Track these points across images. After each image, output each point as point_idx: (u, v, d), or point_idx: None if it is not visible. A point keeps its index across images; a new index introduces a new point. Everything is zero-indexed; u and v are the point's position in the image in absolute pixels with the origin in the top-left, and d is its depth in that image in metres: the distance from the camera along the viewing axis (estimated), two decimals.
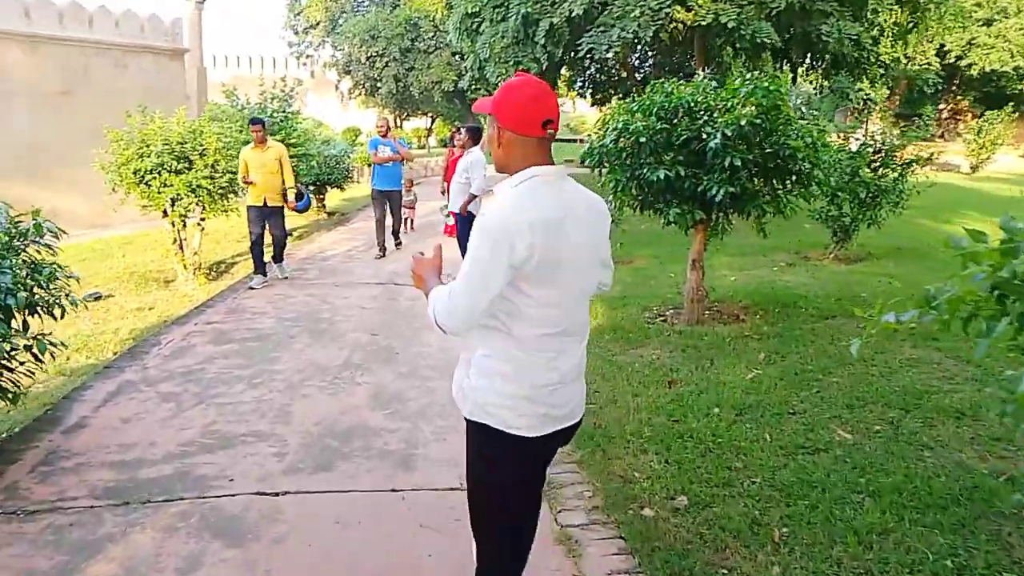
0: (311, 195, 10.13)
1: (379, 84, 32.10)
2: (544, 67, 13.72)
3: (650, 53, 18.77)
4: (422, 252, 2.35)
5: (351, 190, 17.08)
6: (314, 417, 4.53)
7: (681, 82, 6.51)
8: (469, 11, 16.41)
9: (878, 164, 9.07)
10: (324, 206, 15.51)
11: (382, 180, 10.20)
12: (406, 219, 11.96)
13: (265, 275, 8.45)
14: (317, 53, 35.61)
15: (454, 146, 18.49)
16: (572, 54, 15.69)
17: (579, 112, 62.00)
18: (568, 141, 53.70)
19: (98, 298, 8.01)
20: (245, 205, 8.88)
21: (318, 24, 34.21)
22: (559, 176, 2.05)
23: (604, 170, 6.67)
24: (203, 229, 9.55)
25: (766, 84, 5.91)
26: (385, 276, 8.79)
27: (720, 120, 5.91)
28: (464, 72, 20.80)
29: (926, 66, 23.57)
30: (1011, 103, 31.06)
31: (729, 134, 5.70)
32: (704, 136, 5.84)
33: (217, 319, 6.74)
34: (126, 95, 12.85)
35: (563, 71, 22.65)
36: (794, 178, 6.06)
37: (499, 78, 14.43)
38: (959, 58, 26.98)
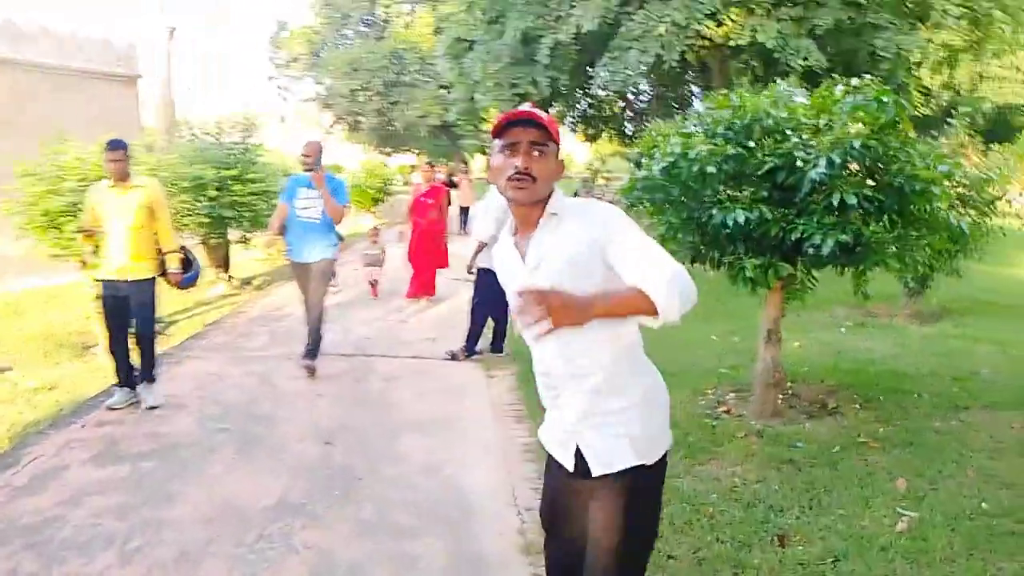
0: (199, 262, 5.82)
1: (361, 118, 30.56)
2: (547, 93, 12.08)
3: (654, 79, 17.22)
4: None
5: None
6: None
7: (744, 91, 4.84)
8: (460, 36, 14.86)
9: (959, 202, 7.43)
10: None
11: (298, 243, 5.86)
12: (372, 283, 9.33)
13: (134, 387, 5.13)
14: (298, 87, 34.15)
15: (448, 182, 17.08)
16: (581, 79, 14.14)
17: (567, 149, 61.28)
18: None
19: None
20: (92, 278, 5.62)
21: (300, 58, 32.73)
22: None
23: (646, 209, 4.95)
24: None
25: (879, 92, 4.23)
26: (352, 344, 6.96)
27: (818, 142, 4.22)
28: (452, 105, 19.22)
29: (943, 96, 22.32)
30: (1016, 135, 29.94)
31: (837, 160, 4.00)
32: (799, 164, 4.14)
33: (113, 417, 4.86)
34: (68, 123, 11.12)
35: (554, 104, 21.17)
36: (922, 221, 4.35)
37: (492, 104, 12.76)
38: (971, 91, 25.79)
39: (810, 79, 13.81)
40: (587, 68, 15.47)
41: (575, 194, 31.06)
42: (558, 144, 1.92)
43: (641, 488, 1.93)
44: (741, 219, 4.10)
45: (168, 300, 9.70)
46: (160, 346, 7.06)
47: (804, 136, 4.38)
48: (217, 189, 9.66)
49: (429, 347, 6.86)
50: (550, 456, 2.12)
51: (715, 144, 4.36)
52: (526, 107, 1.95)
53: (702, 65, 16.13)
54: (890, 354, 6.10)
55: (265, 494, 3.75)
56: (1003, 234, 7.46)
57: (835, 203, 3.98)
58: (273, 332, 7.44)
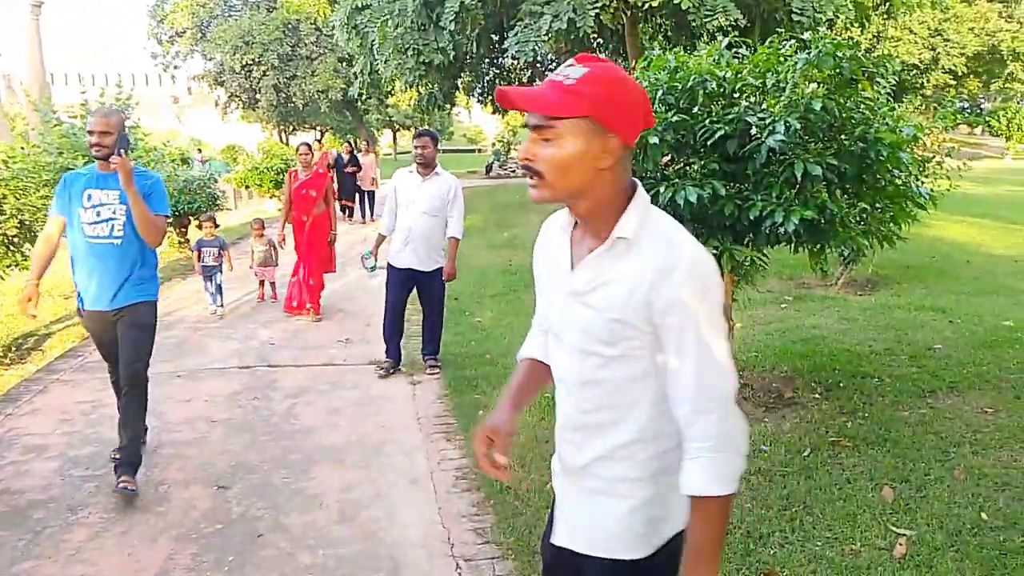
0: None
1: (258, 95, 28.85)
2: (452, 57, 11.26)
3: (563, 47, 16.61)
4: None
5: (222, 218, 14.06)
6: None
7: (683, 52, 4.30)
8: (358, 4, 13.82)
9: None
10: (187, 241, 12.55)
11: (89, 279, 3.80)
12: (262, 282, 8.19)
13: None
14: (185, 64, 31.92)
15: (351, 161, 15.41)
16: (489, 47, 13.38)
17: (475, 122, 60.11)
18: (467, 151, 51.73)
19: None
20: None
21: (185, 32, 30.53)
22: None
23: None
24: None
25: (833, 47, 3.75)
26: (254, 353, 6.14)
27: (768, 104, 3.72)
28: (354, 78, 18.10)
29: None
30: (911, 95, 31.02)
31: (796, 125, 3.50)
32: (752, 131, 3.63)
33: None
34: None
35: (463, 75, 20.29)
36: (882, 190, 3.92)
37: (396, 72, 11.84)
38: (868, 50, 26.42)
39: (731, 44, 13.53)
40: (493, 35, 14.72)
41: (487, 168, 30.41)
42: (588, 116, 1.33)
43: None
44: (693, 197, 3.56)
45: (43, 309, 8.60)
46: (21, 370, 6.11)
47: (751, 100, 3.88)
48: None
49: (342, 351, 6.13)
50: None
51: (654, 111, 3.82)
52: (563, 66, 1.39)
53: (612, 31, 15.65)
54: (838, 330, 5.75)
55: (138, 569, 3.00)
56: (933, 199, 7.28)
57: (798, 175, 3.49)
58: (160, 344, 6.46)
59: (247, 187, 19.88)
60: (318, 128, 36.13)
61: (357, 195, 15.89)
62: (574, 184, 1.38)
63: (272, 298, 8.10)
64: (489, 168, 30.43)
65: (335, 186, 14.66)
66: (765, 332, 5.81)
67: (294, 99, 28.22)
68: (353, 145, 16.66)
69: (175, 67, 32.14)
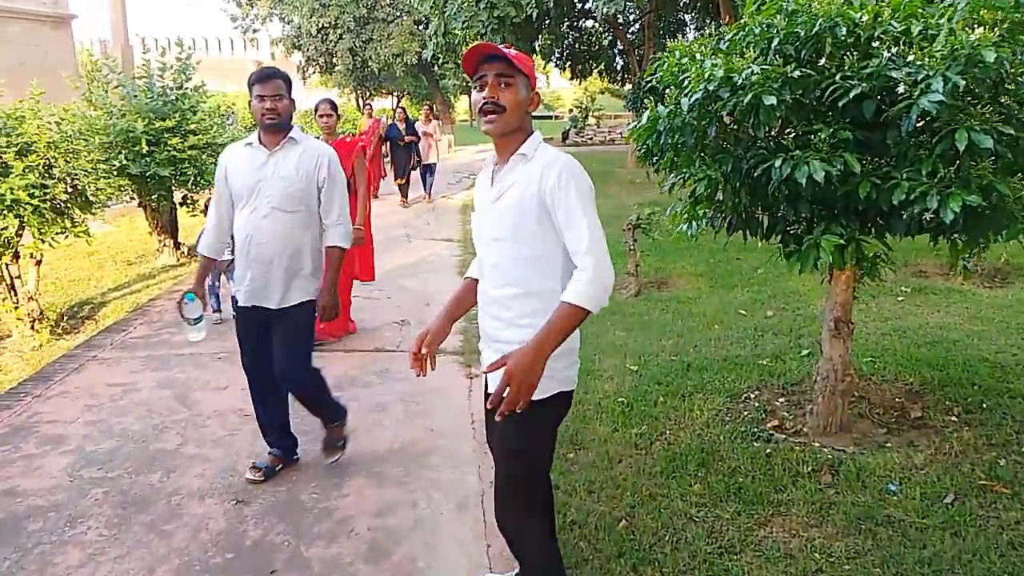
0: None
1: (334, 59, 28.60)
2: (527, 16, 10.49)
3: (651, 6, 15.53)
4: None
5: None
6: None
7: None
8: None
9: None
10: None
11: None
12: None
13: None
14: (264, 28, 31.88)
15: (407, 130, 12.91)
16: (569, 5, 12.53)
17: (553, 87, 58.81)
18: (544, 118, 50.67)
19: None
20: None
21: None
22: None
23: (663, 160, 3.64)
24: (39, 263, 6.40)
25: None
26: None
27: (917, 56, 2.90)
28: (428, 40, 17.47)
29: None
30: None
31: (960, 82, 2.69)
32: (898, 90, 2.82)
33: None
34: None
35: (540, 36, 19.41)
36: None
37: (466, 31, 11.15)
38: None
39: None
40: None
41: (564, 135, 29.47)
42: (528, 76, 2.03)
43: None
44: (820, 175, 2.80)
45: (103, 276, 8.43)
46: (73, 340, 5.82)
47: (894, 51, 3.07)
48: (150, 144, 8.26)
49: (397, 335, 5.60)
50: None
51: (772, 65, 3.06)
52: (504, 46, 2.02)
53: None
54: (971, 333, 4.86)
55: None
56: None
57: (960, 146, 2.68)
58: (211, 317, 6.12)
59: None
60: (395, 93, 35.79)
61: (420, 170, 13.17)
62: (518, 119, 2.02)
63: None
64: (566, 135, 29.53)
65: (388, 161, 13.61)
66: (881, 332, 4.97)
67: (370, 63, 27.83)
68: (406, 112, 13.46)
69: (254, 30, 32.18)
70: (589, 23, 23.51)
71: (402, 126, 12.89)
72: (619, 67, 25.21)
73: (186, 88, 9.23)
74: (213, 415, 4.14)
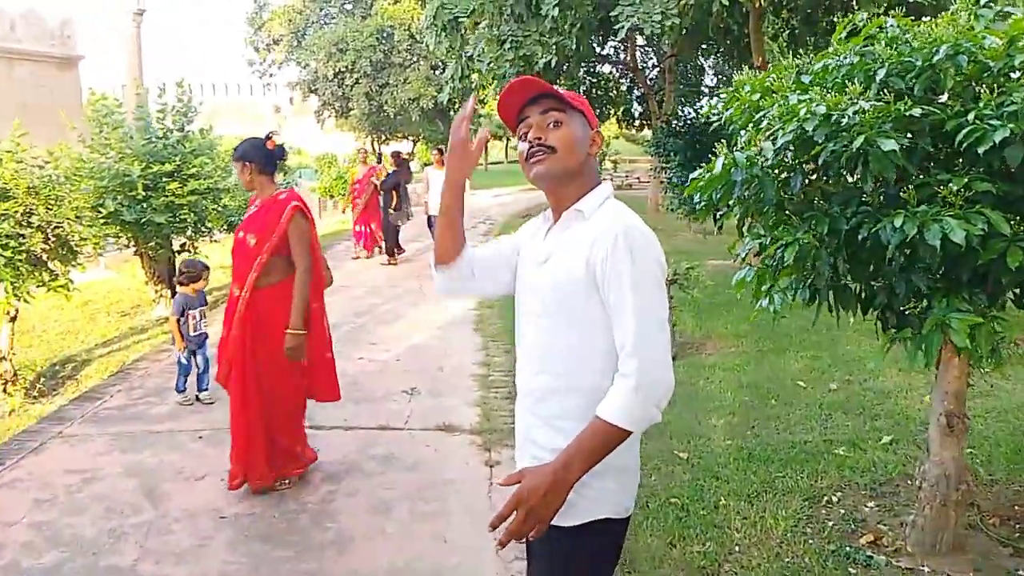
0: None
1: (350, 103, 28.45)
2: (555, 56, 9.97)
3: (667, 43, 15.01)
4: None
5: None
6: None
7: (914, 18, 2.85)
8: (446, 2, 12.76)
9: None
10: None
11: None
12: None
13: None
14: (280, 72, 31.95)
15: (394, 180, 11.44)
16: (589, 48, 12.01)
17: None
18: None
19: None
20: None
21: (281, 39, 30.51)
22: None
23: (734, 217, 2.99)
24: (13, 319, 5.80)
25: None
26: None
27: None
28: (444, 84, 17.06)
29: None
30: None
31: None
32: None
33: None
34: None
35: (560, 81, 19.03)
36: None
37: (491, 68, 10.62)
38: None
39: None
40: (594, 36, 13.26)
41: None
42: (582, 111, 1.67)
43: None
44: (959, 236, 2.14)
45: (93, 329, 7.82)
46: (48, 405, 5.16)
47: None
48: (147, 189, 7.72)
49: (405, 406, 4.92)
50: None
51: (875, 99, 2.42)
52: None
53: (726, 30, 14.04)
54: None
55: None
56: None
57: None
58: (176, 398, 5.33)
59: (332, 196, 19.24)
60: (410, 137, 35.64)
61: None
62: (576, 161, 1.65)
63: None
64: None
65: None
66: (982, 415, 4.21)
67: (386, 107, 27.64)
68: (399, 154, 12.58)
69: (270, 75, 32.26)
70: (606, 68, 23.26)
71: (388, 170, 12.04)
72: (636, 113, 24.89)
73: (188, 131, 8.73)
74: (182, 516, 3.45)
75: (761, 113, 2.79)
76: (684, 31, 9.31)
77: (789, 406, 4.63)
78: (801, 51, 12.54)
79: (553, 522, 1.53)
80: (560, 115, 1.64)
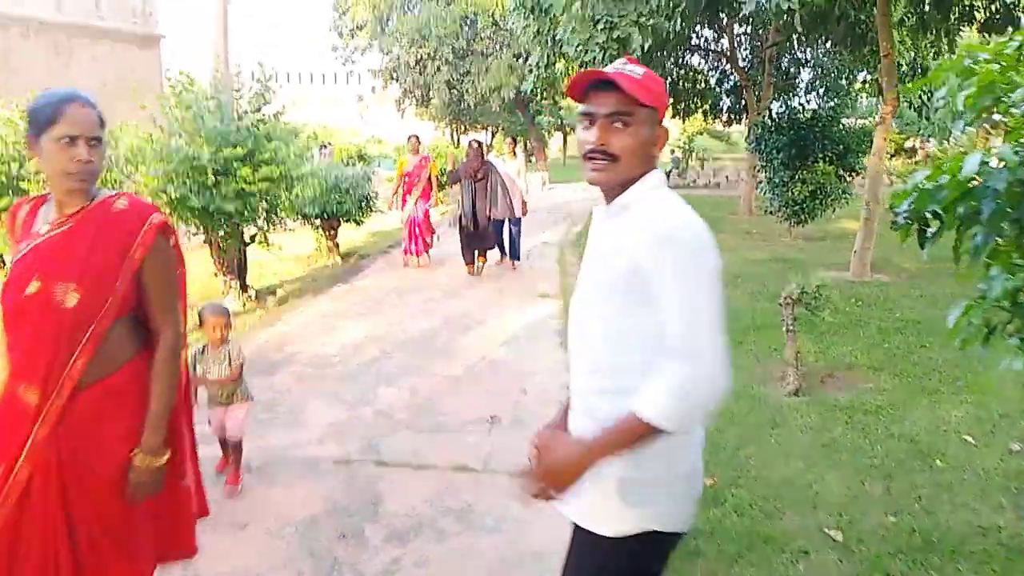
0: None
1: (430, 92, 28.04)
2: (650, 40, 9.09)
3: (782, 27, 13.74)
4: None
5: (376, 221, 12.60)
6: None
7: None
8: None
9: None
10: (336, 246, 11.27)
11: None
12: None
13: None
14: (363, 58, 31.77)
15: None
16: (689, 32, 11.06)
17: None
18: None
19: None
20: None
21: (365, 25, 30.33)
22: None
23: (962, 239, 2.14)
24: None
25: None
26: (360, 433, 4.34)
27: None
28: (528, 73, 16.28)
29: None
30: None
31: None
32: None
33: None
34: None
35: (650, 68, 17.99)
36: None
37: (579, 54, 9.74)
38: None
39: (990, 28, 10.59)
40: (706, 6, 12.17)
41: (667, 175, 27.84)
42: (655, 108, 1.54)
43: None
44: None
45: None
46: None
47: None
48: (216, 173, 7.23)
49: (485, 439, 4.20)
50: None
51: None
52: (619, 64, 1.55)
53: (840, 16, 12.79)
54: None
55: None
56: None
57: None
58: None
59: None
60: (489, 128, 35.10)
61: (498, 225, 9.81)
62: (640, 167, 1.56)
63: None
64: (668, 176, 28.00)
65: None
66: None
67: (466, 96, 27.10)
68: (480, 144, 10.11)
69: (352, 61, 32.15)
70: (696, 59, 22.08)
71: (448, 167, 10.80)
72: (725, 107, 23.59)
73: (264, 113, 8.22)
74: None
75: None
76: (803, 16, 8.31)
77: (961, 471, 3.70)
78: (931, 37, 11.35)
79: (593, 529, 1.55)
80: (627, 116, 1.52)
